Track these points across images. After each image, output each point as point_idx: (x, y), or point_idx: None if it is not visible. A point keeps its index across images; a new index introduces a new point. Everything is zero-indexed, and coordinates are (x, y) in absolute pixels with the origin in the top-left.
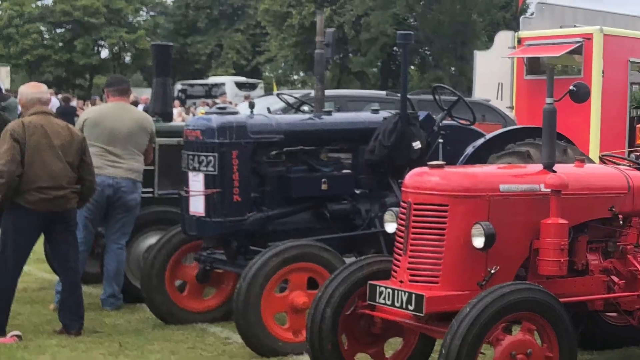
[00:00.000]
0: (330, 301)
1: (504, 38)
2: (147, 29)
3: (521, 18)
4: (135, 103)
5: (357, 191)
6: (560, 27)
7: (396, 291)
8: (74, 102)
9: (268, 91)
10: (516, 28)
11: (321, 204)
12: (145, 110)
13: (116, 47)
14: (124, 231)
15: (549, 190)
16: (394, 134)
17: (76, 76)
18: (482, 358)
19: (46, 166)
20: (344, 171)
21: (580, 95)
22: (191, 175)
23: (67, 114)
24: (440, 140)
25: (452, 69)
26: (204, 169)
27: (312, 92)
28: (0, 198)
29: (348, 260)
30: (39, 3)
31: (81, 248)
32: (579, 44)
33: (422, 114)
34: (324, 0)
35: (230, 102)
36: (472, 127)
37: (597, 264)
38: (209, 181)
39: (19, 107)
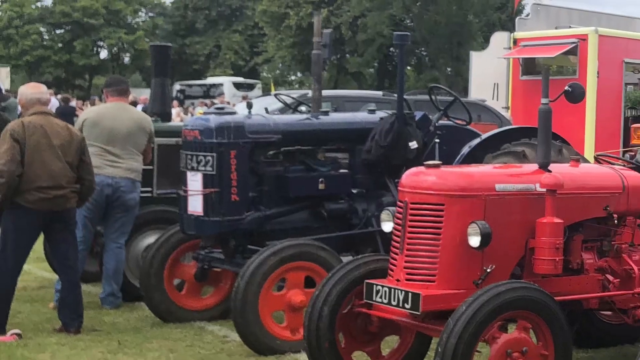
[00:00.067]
0: (328, 300)
1: (499, 39)
2: (146, 29)
3: (517, 19)
4: (134, 103)
5: (354, 191)
6: (556, 28)
7: (393, 290)
8: (74, 103)
9: (266, 91)
10: (512, 29)
11: (318, 204)
12: (144, 110)
13: (115, 48)
14: (123, 230)
15: (544, 189)
16: (391, 134)
17: (75, 77)
18: (478, 356)
19: (46, 166)
20: (341, 171)
21: (576, 95)
22: (189, 175)
23: (66, 114)
24: (437, 140)
25: (448, 69)
26: (202, 168)
27: (310, 93)
28: (0, 197)
29: (345, 259)
30: (38, 4)
31: (80, 247)
32: (574, 45)
33: (418, 114)
34: (321, 2)
35: (228, 103)
36: (468, 127)
37: (592, 263)
38: (207, 181)
39: (19, 108)
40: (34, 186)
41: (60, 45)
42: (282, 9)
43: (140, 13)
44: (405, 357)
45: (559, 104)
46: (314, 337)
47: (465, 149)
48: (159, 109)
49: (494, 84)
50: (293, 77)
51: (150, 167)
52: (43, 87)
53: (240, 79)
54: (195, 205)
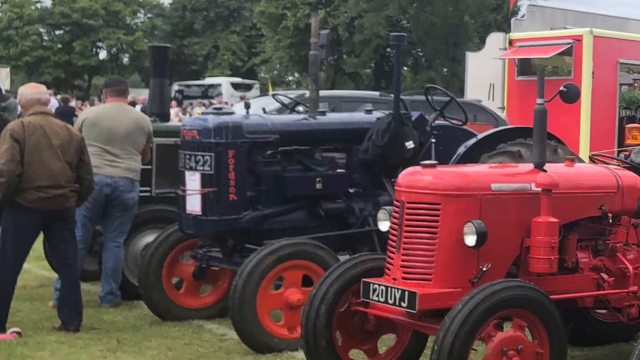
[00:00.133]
0: (325, 298)
1: (495, 40)
2: (145, 30)
3: (512, 20)
4: (133, 103)
5: (351, 190)
6: (551, 29)
7: (389, 288)
8: (73, 103)
9: (263, 92)
10: (507, 30)
11: (316, 203)
12: (143, 110)
13: (114, 49)
14: (121, 229)
15: (539, 189)
16: (387, 134)
17: (75, 77)
18: (473, 354)
19: (45, 165)
20: (338, 170)
21: (571, 95)
22: (188, 175)
23: (65, 114)
24: (433, 140)
25: (445, 70)
26: (201, 168)
27: (307, 93)
28: (0, 197)
29: (342, 258)
30: (38, 5)
31: (80, 246)
32: (569, 46)
33: (414, 114)
34: (319, 3)
35: (226, 103)
36: (464, 127)
37: (587, 262)
38: (205, 180)
39: (19, 108)
40: (33, 185)
41: (59, 46)
42: (279, 10)
43: (139, 14)
44: (401, 355)
45: (554, 104)
46: (312, 335)
47: (461, 149)
48: (158, 109)
49: (490, 84)
50: (290, 78)
51: (149, 167)
52: (42, 88)
53: (238, 80)
54: (194, 204)
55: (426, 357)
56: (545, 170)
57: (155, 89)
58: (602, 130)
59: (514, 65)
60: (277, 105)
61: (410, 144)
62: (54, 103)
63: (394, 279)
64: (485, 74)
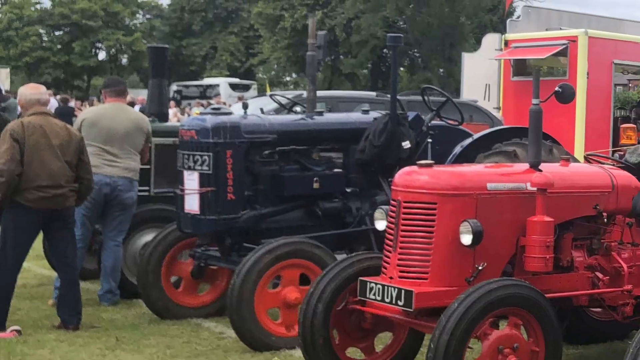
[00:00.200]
0: (322, 297)
1: (491, 40)
2: (144, 31)
3: (508, 21)
4: (132, 104)
5: (348, 190)
6: (546, 29)
7: (386, 287)
8: (72, 103)
9: (261, 92)
10: (503, 31)
11: (313, 202)
12: (142, 110)
13: (113, 49)
14: (120, 228)
15: (535, 188)
16: (384, 134)
17: (74, 77)
18: (469, 352)
19: (45, 165)
20: (335, 170)
21: (566, 96)
22: (186, 174)
23: (65, 114)
24: (429, 140)
25: (441, 70)
26: (199, 168)
27: (304, 93)
28: (0, 196)
29: (339, 257)
30: (38, 6)
31: (79, 245)
32: (564, 46)
33: (411, 115)
34: (316, 4)
35: (224, 103)
36: (460, 127)
37: (582, 261)
38: (203, 180)
39: (19, 108)
40: (33, 185)
41: (59, 46)
42: (277, 11)
43: (137, 15)
44: (398, 354)
45: (549, 104)
46: (309, 334)
47: (457, 149)
48: (156, 110)
49: (486, 84)
50: (288, 78)
51: (148, 167)
52: (42, 88)
53: (236, 80)
54: (192, 204)
55: (422, 355)
56: (540, 170)
57: (153, 89)
58: (597, 131)
59: (510, 66)
60: (275, 105)
61: (406, 144)
62: (53, 103)
63: (391, 278)
64: (481, 74)
